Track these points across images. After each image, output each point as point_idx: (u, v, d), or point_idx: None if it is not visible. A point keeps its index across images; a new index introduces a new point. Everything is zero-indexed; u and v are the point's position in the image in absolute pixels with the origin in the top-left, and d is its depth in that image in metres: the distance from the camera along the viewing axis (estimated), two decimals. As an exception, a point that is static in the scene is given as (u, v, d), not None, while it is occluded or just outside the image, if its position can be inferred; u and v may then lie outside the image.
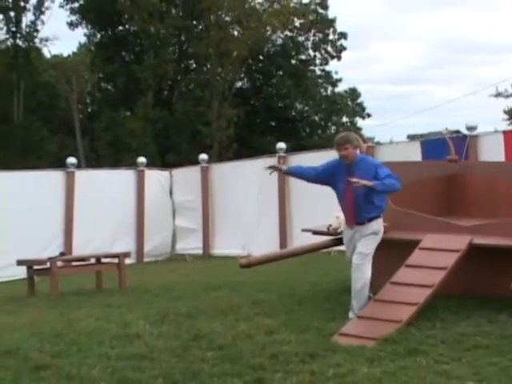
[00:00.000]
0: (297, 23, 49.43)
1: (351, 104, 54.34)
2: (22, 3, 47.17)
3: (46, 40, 48.47)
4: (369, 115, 54.76)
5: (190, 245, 18.87)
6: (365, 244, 8.16)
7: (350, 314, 8.01)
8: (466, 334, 7.12)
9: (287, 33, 50.12)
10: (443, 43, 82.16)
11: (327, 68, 52.06)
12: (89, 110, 53.28)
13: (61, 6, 46.98)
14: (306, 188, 15.81)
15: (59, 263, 12.25)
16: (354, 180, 7.87)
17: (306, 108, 52.37)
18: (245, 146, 43.14)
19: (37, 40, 48.22)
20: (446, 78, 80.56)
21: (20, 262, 12.25)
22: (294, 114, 51.67)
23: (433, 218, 9.22)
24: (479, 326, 7.41)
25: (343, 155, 8.17)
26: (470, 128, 14.65)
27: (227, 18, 46.13)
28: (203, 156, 19.09)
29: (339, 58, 51.09)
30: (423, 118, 77.52)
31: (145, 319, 8.36)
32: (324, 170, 8.42)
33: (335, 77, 52.25)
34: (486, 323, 7.54)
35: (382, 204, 8.31)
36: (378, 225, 8.27)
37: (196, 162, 19.39)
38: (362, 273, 8.06)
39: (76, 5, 46.92)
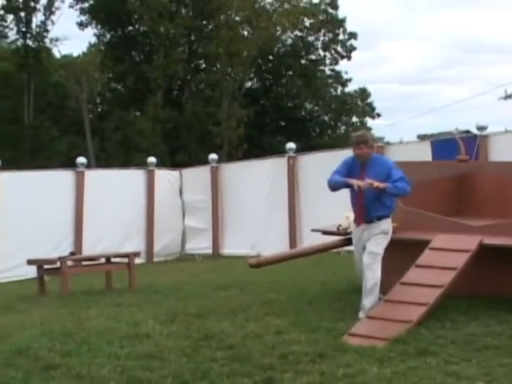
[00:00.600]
0: (307, 23, 49.42)
1: (361, 104, 54.24)
2: (32, 3, 47.33)
3: (56, 40, 48.74)
4: (378, 115, 54.72)
5: (200, 244, 18.87)
6: (375, 244, 8.19)
7: (361, 314, 8.00)
8: (476, 335, 7.10)
9: (297, 33, 50.13)
10: (453, 43, 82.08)
11: (337, 68, 52.12)
12: (99, 109, 53.39)
13: (71, 6, 47.25)
14: (316, 188, 15.91)
15: (69, 263, 12.26)
16: (369, 181, 7.95)
17: (316, 108, 52.36)
18: (254, 146, 43.14)
19: (47, 40, 48.49)
20: (456, 78, 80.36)
21: (30, 262, 12.28)
22: (303, 113, 51.66)
23: (443, 218, 9.20)
24: (489, 327, 7.40)
25: (358, 154, 8.25)
26: (480, 128, 14.60)
27: (237, 18, 46.17)
28: (213, 156, 19.07)
29: (349, 57, 51.09)
30: (433, 118, 77.39)
31: (154, 319, 8.37)
32: (344, 170, 8.38)
33: (345, 77, 52.26)
34: (496, 324, 7.53)
35: (392, 204, 8.37)
36: (388, 224, 8.31)
37: (206, 162, 19.38)
38: (373, 272, 8.08)
39: (86, 5, 47.12)
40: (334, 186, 8.32)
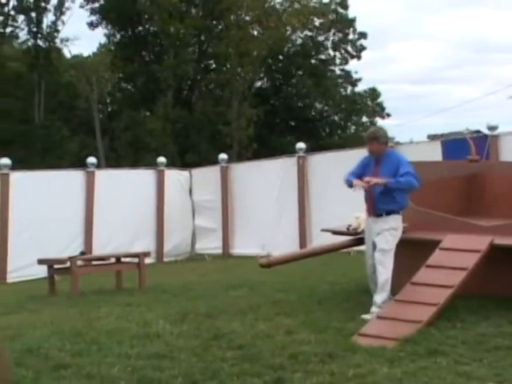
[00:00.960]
0: (317, 23, 49.41)
1: (371, 104, 54.20)
2: (43, 4, 47.45)
3: (67, 40, 48.90)
4: (388, 115, 54.66)
5: (210, 244, 18.87)
6: (385, 241, 8.27)
7: (373, 309, 8.04)
8: (487, 335, 7.08)
9: (307, 32, 50.10)
10: (462, 43, 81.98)
11: (347, 68, 52.12)
12: (109, 109, 53.50)
13: (81, 7, 47.34)
14: (326, 188, 15.90)
15: (79, 262, 12.28)
16: (366, 179, 8.22)
17: (326, 108, 52.32)
18: (264, 146, 43.13)
19: (57, 40, 48.62)
20: (465, 78, 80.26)
21: (41, 261, 12.32)
22: (313, 113, 51.63)
23: (453, 218, 9.18)
24: (500, 327, 7.38)
25: (370, 150, 8.51)
26: (490, 128, 14.57)
27: (247, 18, 46.14)
28: (223, 156, 19.08)
29: (359, 57, 51.07)
30: (443, 118, 77.10)
31: (165, 318, 8.38)
32: (359, 170, 8.62)
33: (355, 76, 52.26)
34: (507, 324, 7.50)
35: (403, 200, 8.43)
36: (397, 222, 8.40)
37: (216, 162, 19.39)
38: (384, 267, 8.18)
39: (96, 5, 47.18)
40: (348, 185, 8.59)
